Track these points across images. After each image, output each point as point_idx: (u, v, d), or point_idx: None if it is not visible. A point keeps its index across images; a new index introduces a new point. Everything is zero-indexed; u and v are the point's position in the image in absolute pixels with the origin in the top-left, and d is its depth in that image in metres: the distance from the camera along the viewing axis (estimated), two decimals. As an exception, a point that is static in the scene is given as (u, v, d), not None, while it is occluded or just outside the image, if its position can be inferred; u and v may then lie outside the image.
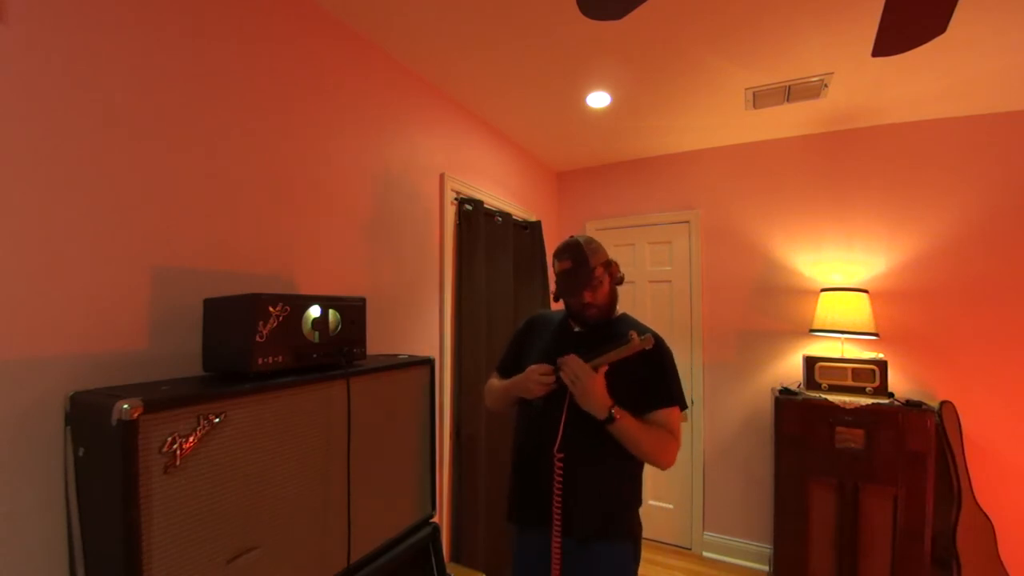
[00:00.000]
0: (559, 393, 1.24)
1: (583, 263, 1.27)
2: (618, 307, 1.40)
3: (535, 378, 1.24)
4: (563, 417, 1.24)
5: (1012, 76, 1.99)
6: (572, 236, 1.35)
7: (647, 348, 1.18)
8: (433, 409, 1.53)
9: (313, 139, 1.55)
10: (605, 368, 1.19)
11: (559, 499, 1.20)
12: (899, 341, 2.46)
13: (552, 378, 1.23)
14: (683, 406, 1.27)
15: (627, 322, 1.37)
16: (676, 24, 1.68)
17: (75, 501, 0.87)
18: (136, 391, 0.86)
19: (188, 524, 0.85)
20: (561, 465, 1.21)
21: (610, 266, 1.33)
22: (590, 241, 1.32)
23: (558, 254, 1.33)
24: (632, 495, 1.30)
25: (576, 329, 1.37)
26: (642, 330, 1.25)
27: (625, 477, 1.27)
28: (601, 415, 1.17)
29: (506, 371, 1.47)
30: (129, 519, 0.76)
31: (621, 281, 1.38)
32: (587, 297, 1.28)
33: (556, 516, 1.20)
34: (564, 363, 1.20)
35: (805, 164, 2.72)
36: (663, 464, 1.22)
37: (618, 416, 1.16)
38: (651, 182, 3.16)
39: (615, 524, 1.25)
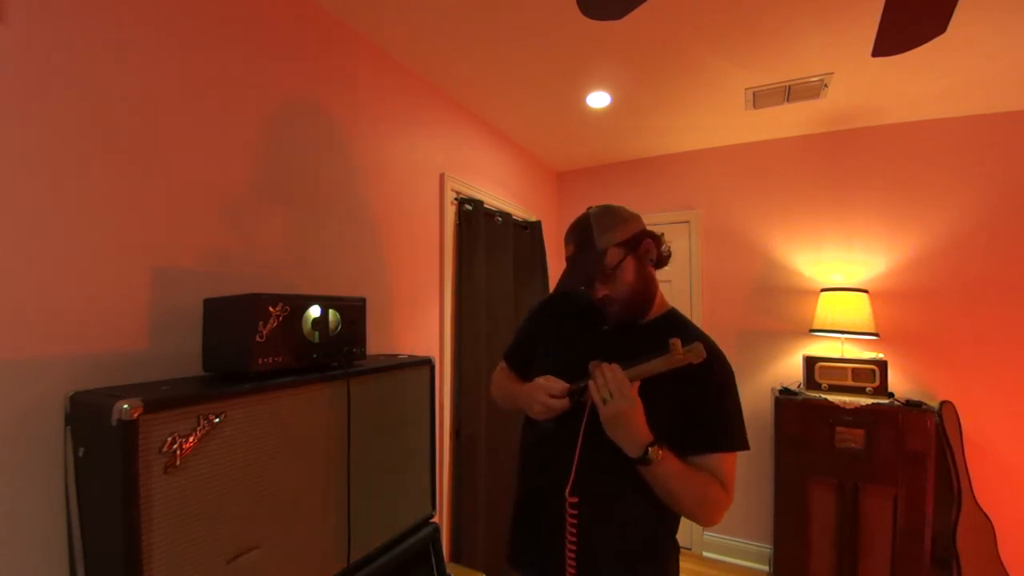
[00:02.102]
0: (574, 411, 0.95)
1: (588, 246, 0.97)
2: (665, 298, 1.07)
3: (540, 399, 0.94)
4: (578, 445, 0.94)
5: (1012, 76, 1.99)
6: (591, 207, 1.03)
7: (694, 363, 0.85)
8: (433, 409, 1.53)
9: (312, 139, 1.54)
10: (637, 385, 0.88)
11: (573, 558, 0.91)
12: (899, 341, 2.46)
13: (564, 402, 0.93)
14: (744, 447, 0.93)
15: (674, 323, 1.04)
16: (676, 24, 1.68)
17: (75, 501, 0.87)
18: (136, 391, 0.86)
19: (188, 524, 0.85)
20: (575, 512, 0.91)
21: (637, 245, 0.98)
22: (607, 213, 1.00)
23: (566, 235, 1.05)
24: (669, 537, 0.99)
25: (604, 326, 1.04)
26: (691, 336, 0.90)
27: (659, 520, 0.96)
28: (633, 452, 0.85)
29: (515, 361, 1.21)
30: (129, 519, 0.76)
31: (662, 261, 1.03)
32: (600, 290, 0.97)
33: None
34: (600, 370, 0.88)
35: (805, 164, 2.72)
36: (705, 521, 0.91)
37: (655, 457, 0.84)
38: (651, 182, 3.16)
39: (647, 573, 0.96)
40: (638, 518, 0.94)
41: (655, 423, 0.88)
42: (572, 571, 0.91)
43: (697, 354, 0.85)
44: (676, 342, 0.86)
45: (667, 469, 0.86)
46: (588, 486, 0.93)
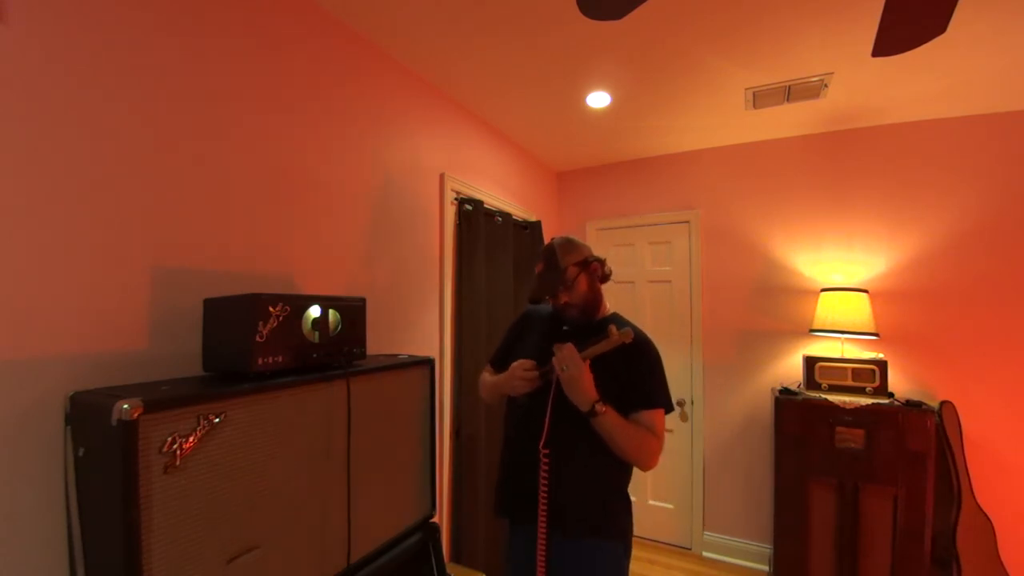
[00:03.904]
0: (544, 389, 1.25)
1: (554, 265, 1.31)
2: (610, 306, 1.41)
3: (519, 374, 1.26)
4: (548, 412, 1.24)
5: (1012, 76, 1.99)
6: (555, 238, 1.38)
7: (626, 342, 1.18)
8: (433, 409, 1.53)
9: (313, 139, 1.55)
10: (588, 361, 1.20)
11: (545, 495, 1.20)
12: (899, 341, 2.46)
13: (535, 373, 1.24)
14: (668, 408, 1.26)
15: (615, 321, 1.36)
16: (676, 24, 1.68)
17: (75, 501, 0.87)
18: (136, 391, 0.86)
19: (188, 524, 0.85)
20: (547, 461, 1.20)
21: (587, 264, 1.33)
22: (567, 242, 1.35)
23: (537, 257, 1.37)
24: (620, 491, 1.29)
25: (564, 327, 1.37)
26: (624, 326, 1.25)
27: (612, 473, 1.27)
28: (584, 407, 1.17)
29: (497, 364, 1.50)
30: (129, 519, 0.76)
31: (606, 278, 1.38)
32: (563, 297, 1.31)
33: (542, 512, 1.19)
34: (559, 349, 1.20)
35: (805, 164, 2.72)
36: (644, 464, 1.22)
37: (600, 411, 1.16)
38: (651, 182, 3.16)
39: (604, 521, 1.25)
40: (594, 468, 1.25)
41: (605, 391, 1.20)
42: (544, 504, 1.20)
43: (626, 335, 1.18)
44: (612, 328, 1.20)
45: (611, 420, 1.18)
46: (557, 441, 1.23)
